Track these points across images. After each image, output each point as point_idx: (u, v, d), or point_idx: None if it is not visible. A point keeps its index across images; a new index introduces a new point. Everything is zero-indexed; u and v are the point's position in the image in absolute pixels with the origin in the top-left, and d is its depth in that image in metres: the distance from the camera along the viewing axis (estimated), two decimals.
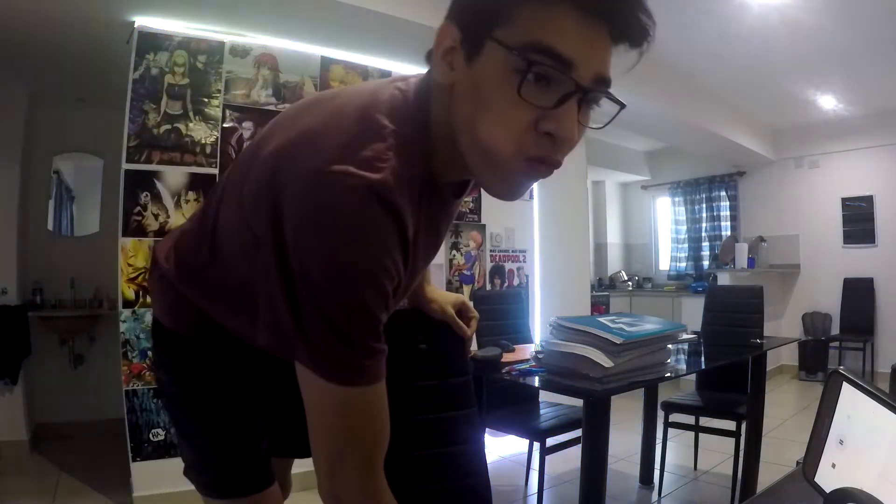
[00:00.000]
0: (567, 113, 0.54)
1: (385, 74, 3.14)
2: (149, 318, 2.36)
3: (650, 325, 1.70)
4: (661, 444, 2.64)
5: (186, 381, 0.88)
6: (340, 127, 0.58)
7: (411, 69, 3.21)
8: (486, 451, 1.25)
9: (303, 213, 0.55)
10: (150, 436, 2.45)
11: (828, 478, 0.51)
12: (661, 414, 2.68)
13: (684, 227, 6.63)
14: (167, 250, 0.86)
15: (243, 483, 0.88)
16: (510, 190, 0.60)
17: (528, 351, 2.05)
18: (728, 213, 6.24)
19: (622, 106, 0.58)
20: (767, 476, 2.42)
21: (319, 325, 0.56)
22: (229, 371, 0.88)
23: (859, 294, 5.18)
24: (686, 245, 6.61)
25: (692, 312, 4.64)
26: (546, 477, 2.30)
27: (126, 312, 2.45)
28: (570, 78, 0.52)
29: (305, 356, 0.58)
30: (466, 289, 3.45)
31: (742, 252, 5.25)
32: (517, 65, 0.52)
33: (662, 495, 2.64)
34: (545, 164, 0.57)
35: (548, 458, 2.19)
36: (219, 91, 2.64)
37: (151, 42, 2.51)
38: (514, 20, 0.52)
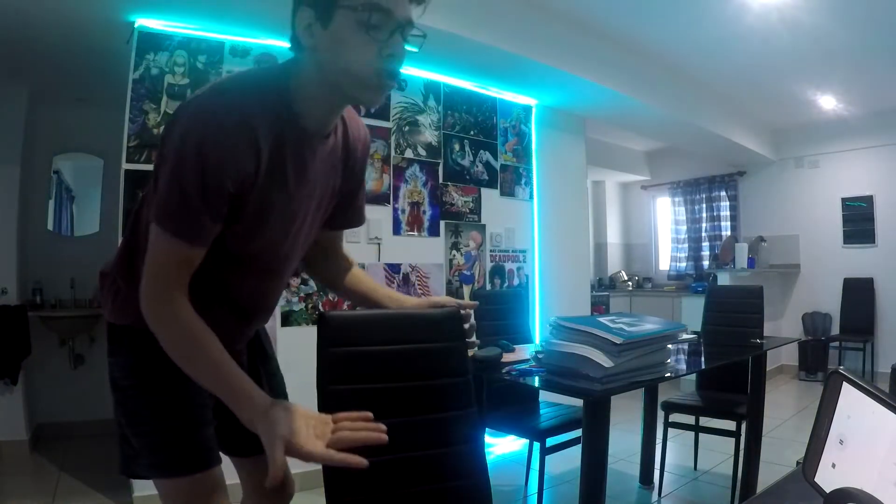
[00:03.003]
0: (397, 40, 0.85)
1: None
2: None
3: (650, 325, 1.70)
4: (661, 444, 2.64)
5: (139, 371, 0.99)
6: (215, 89, 0.86)
7: (410, 69, 3.22)
8: (486, 451, 1.25)
9: (178, 132, 0.82)
10: None
11: (828, 478, 0.51)
12: (661, 414, 2.68)
13: (684, 227, 6.63)
14: (113, 262, 1.05)
15: (191, 461, 0.97)
16: (375, 98, 0.90)
17: (528, 351, 2.05)
18: (728, 213, 6.24)
19: (425, 35, 0.89)
20: (767, 476, 2.42)
21: (169, 184, 0.81)
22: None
23: (859, 294, 5.18)
24: (686, 245, 6.61)
25: (692, 312, 4.64)
26: (546, 477, 2.30)
27: None
28: (393, 20, 0.84)
29: (155, 210, 0.83)
30: (466, 289, 3.45)
31: (742, 252, 5.25)
32: (361, 19, 0.82)
33: (662, 495, 2.64)
34: (392, 77, 0.87)
35: (548, 458, 2.19)
36: None
37: (151, 42, 2.52)
38: None
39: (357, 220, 1.18)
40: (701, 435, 2.73)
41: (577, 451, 1.74)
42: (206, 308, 0.96)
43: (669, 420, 2.62)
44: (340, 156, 1.03)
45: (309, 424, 0.78)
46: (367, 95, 0.89)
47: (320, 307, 2.84)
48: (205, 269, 0.89)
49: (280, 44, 2.79)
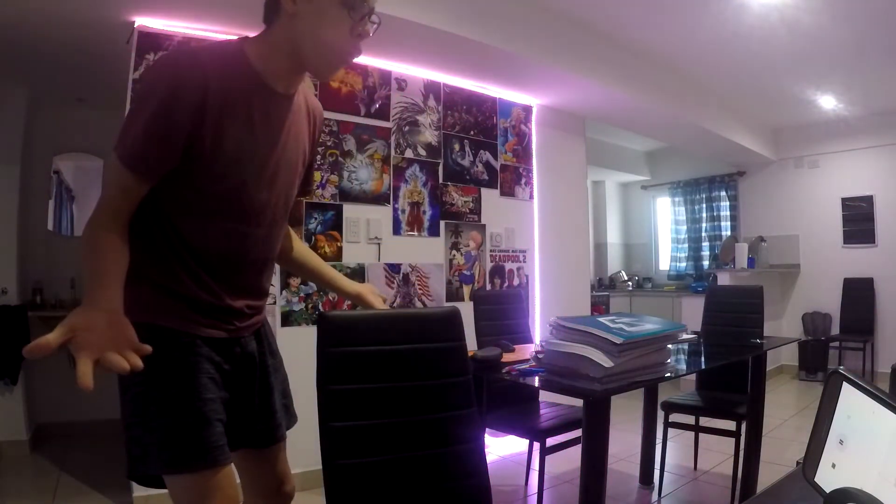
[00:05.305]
0: (367, 23, 1.03)
1: (385, 75, 3.15)
2: None
3: (650, 325, 1.69)
4: (661, 444, 2.64)
5: (145, 368, 0.97)
6: (177, 49, 1.16)
7: (411, 69, 3.22)
8: (486, 451, 1.25)
9: (143, 79, 1.04)
10: None
11: (828, 478, 0.51)
12: (661, 414, 2.68)
13: (684, 227, 6.64)
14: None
15: (201, 457, 0.97)
16: (336, 71, 1.10)
17: (528, 351, 2.05)
18: (728, 213, 6.25)
19: (380, 23, 1.05)
20: (767, 476, 2.43)
21: (128, 118, 0.95)
22: (181, 346, 1.01)
23: (859, 294, 5.18)
24: (686, 245, 6.61)
25: (692, 312, 4.64)
26: (546, 477, 2.30)
27: None
28: (367, 5, 1.01)
29: (117, 140, 0.95)
30: (466, 289, 3.45)
31: (742, 252, 5.25)
32: (345, 1, 0.98)
33: (662, 495, 2.64)
34: (358, 51, 1.06)
35: (548, 458, 2.19)
36: None
37: (151, 42, 2.51)
38: None
39: (310, 190, 1.32)
40: (701, 435, 2.73)
41: (577, 451, 1.74)
42: (188, 263, 1.02)
43: (669, 420, 2.62)
44: (306, 119, 1.15)
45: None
46: (329, 69, 1.06)
47: (320, 307, 2.84)
48: (186, 214, 1.00)
49: None
